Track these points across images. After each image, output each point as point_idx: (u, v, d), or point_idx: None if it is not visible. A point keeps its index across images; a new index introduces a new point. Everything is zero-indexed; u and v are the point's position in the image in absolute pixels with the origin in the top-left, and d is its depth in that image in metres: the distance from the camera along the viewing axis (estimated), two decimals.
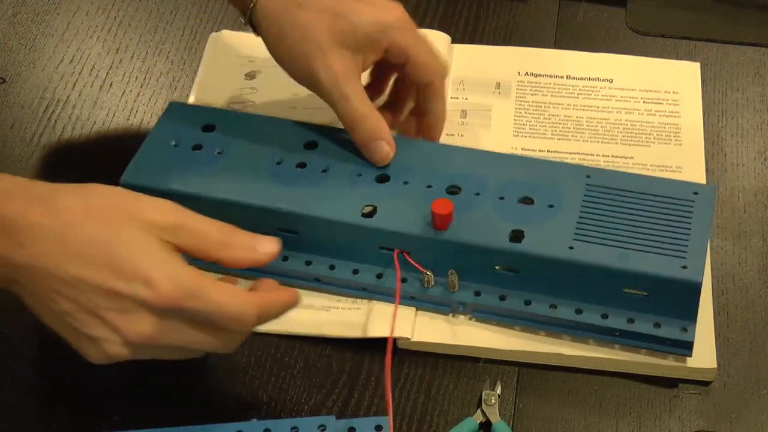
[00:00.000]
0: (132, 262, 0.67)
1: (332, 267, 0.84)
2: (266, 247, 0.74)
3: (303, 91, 1.01)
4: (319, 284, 0.85)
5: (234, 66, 1.03)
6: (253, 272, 0.79)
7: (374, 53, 0.87)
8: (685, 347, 0.79)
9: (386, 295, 0.83)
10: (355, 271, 0.84)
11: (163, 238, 0.69)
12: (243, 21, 0.88)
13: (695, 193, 0.84)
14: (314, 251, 0.84)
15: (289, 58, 0.87)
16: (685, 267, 0.79)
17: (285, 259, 0.84)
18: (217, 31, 1.08)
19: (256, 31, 0.89)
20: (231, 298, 0.69)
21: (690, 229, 0.81)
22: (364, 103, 0.86)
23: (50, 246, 0.68)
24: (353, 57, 0.85)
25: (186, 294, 0.67)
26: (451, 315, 0.83)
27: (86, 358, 0.70)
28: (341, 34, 0.85)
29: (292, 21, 0.85)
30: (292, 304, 0.74)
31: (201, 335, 0.70)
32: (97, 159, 0.97)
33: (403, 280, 0.83)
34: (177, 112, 0.92)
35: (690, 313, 0.79)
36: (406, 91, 0.91)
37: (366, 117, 0.85)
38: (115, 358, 0.69)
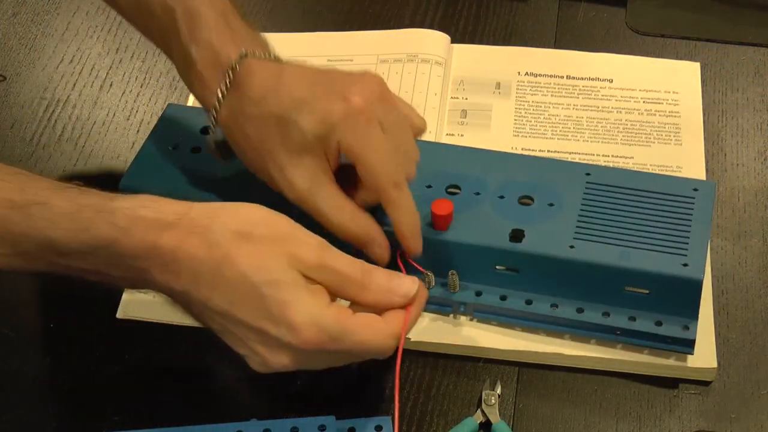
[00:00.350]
0: (280, 308, 0.69)
1: None
2: (403, 288, 0.74)
3: None
4: None
5: None
6: None
7: (331, 153, 0.78)
8: (686, 345, 0.79)
9: None
10: None
11: (308, 275, 0.71)
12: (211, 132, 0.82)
13: (695, 190, 0.84)
14: None
15: (256, 171, 0.80)
16: (686, 265, 0.79)
17: None
18: None
19: None
20: (372, 336, 0.71)
21: (690, 226, 0.82)
22: (341, 211, 0.78)
23: (205, 278, 0.70)
24: (314, 161, 0.77)
25: (329, 338, 0.70)
26: (451, 315, 0.83)
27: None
28: (292, 143, 0.77)
29: (245, 135, 0.79)
30: (417, 319, 0.75)
31: (343, 361, 0.74)
32: (97, 159, 0.97)
33: None
34: (175, 114, 0.92)
35: (691, 311, 0.79)
36: None
37: (344, 227, 0.78)
38: (262, 372, 0.73)
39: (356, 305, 0.73)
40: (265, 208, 0.72)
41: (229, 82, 0.79)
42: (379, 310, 0.73)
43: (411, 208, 0.78)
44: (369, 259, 0.77)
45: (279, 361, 0.71)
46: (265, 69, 0.79)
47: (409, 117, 0.82)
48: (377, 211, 0.79)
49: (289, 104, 0.77)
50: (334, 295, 0.72)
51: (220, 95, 0.79)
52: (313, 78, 0.79)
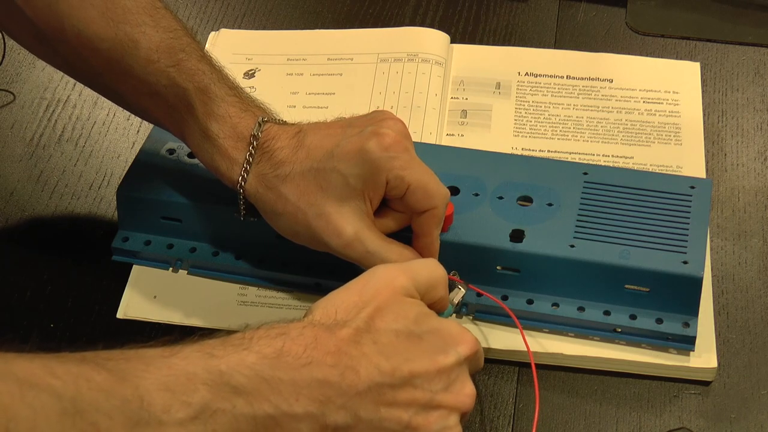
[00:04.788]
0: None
1: (331, 272, 0.84)
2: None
3: (302, 90, 1.02)
4: (323, 291, 0.85)
5: (233, 65, 1.03)
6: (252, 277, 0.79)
7: (376, 191, 0.78)
8: (687, 342, 0.79)
9: None
10: None
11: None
12: (240, 204, 0.82)
13: (692, 187, 0.85)
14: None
15: (294, 235, 0.80)
16: (685, 262, 0.79)
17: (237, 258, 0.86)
18: (216, 30, 1.08)
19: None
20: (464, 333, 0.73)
21: (689, 223, 0.82)
22: (389, 251, 0.78)
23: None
24: (358, 205, 0.78)
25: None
26: (453, 316, 0.83)
27: None
28: (335, 191, 0.77)
29: (282, 197, 0.79)
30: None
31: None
32: (97, 159, 0.97)
33: None
34: None
35: (692, 308, 0.80)
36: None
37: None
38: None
39: None
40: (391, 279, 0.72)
41: (254, 149, 0.79)
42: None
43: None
44: None
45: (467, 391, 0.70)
46: (286, 131, 0.80)
47: None
48: None
49: (323, 155, 0.78)
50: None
51: (246, 164, 0.79)
52: (335, 128, 0.80)
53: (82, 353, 0.60)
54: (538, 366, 0.81)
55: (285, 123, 0.81)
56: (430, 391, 0.68)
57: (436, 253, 0.80)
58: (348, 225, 0.77)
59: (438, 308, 0.75)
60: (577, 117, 0.99)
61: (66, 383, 0.57)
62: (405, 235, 0.80)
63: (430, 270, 0.74)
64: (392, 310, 0.69)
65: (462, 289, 0.80)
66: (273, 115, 0.82)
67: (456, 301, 0.80)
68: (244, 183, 0.80)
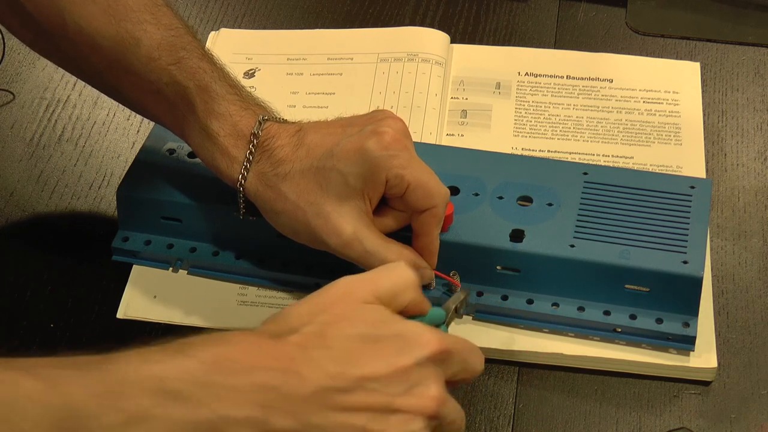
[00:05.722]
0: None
1: (331, 271, 0.84)
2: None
3: (302, 90, 1.02)
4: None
5: (233, 64, 1.03)
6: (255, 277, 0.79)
7: (376, 189, 0.78)
8: (687, 342, 0.79)
9: None
10: None
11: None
12: (240, 203, 0.82)
13: (692, 187, 0.85)
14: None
15: (294, 234, 0.80)
16: (685, 262, 0.79)
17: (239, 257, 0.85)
18: (216, 30, 1.08)
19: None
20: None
21: (689, 223, 0.82)
22: (388, 250, 0.78)
23: None
24: (357, 204, 0.78)
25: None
26: (451, 324, 0.83)
27: None
28: (334, 190, 0.77)
29: (282, 196, 0.78)
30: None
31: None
32: (97, 159, 0.97)
33: None
34: None
35: (692, 308, 0.80)
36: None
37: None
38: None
39: None
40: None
41: (254, 148, 0.79)
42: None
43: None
44: None
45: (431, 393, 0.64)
46: (286, 129, 0.80)
47: None
48: None
49: (323, 154, 0.78)
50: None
51: (246, 162, 0.79)
52: (335, 127, 0.80)
53: (12, 359, 0.58)
54: (539, 366, 0.81)
55: (285, 121, 0.81)
56: (387, 394, 0.63)
57: (436, 253, 0.80)
58: (347, 224, 0.77)
59: (412, 312, 0.69)
60: (577, 117, 0.99)
61: None
62: (405, 235, 0.80)
63: (394, 276, 0.68)
64: (348, 317, 0.65)
65: (461, 294, 0.78)
66: (274, 113, 0.82)
67: (453, 306, 0.76)
68: (244, 181, 0.80)
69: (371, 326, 0.65)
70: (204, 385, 0.60)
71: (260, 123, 0.80)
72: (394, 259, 0.77)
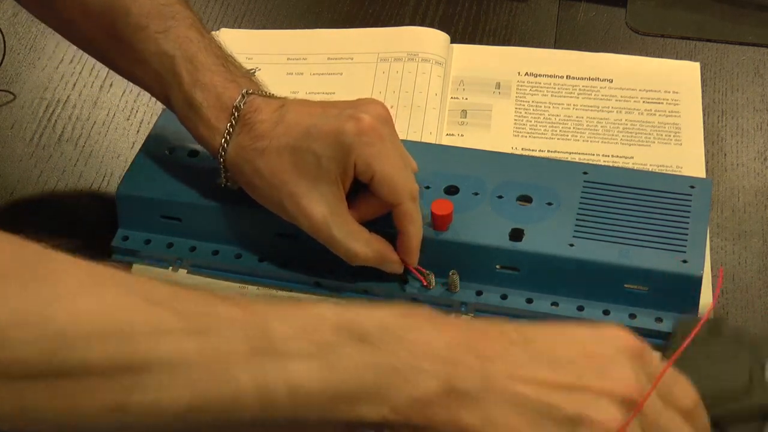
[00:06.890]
0: None
1: (331, 270, 0.84)
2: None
3: (302, 89, 1.02)
4: (323, 290, 0.85)
5: None
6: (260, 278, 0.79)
7: (347, 174, 0.78)
8: None
9: (388, 297, 0.83)
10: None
11: None
12: (222, 173, 0.82)
13: (692, 187, 0.85)
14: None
15: (270, 205, 0.80)
16: (685, 261, 0.79)
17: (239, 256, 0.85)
18: (216, 30, 1.08)
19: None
20: None
21: (688, 223, 0.82)
22: (356, 239, 0.79)
23: None
24: (329, 188, 0.77)
25: None
26: (453, 315, 0.83)
27: None
28: (307, 171, 0.77)
29: (257, 171, 0.79)
30: None
31: None
32: (97, 159, 0.97)
33: (404, 281, 0.83)
34: (171, 117, 0.91)
35: (691, 308, 0.79)
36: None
37: (362, 254, 0.79)
38: None
39: None
40: None
41: (235, 120, 0.79)
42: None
43: (420, 222, 0.79)
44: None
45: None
46: (269, 104, 0.80)
47: None
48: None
49: (300, 133, 0.78)
50: None
51: (227, 134, 0.79)
52: (317, 107, 0.80)
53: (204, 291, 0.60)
54: None
55: (272, 96, 0.81)
56: (577, 376, 0.59)
57: (415, 252, 0.80)
58: (317, 208, 0.78)
59: None
60: (577, 117, 0.99)
61: (189, 306, 0.58)
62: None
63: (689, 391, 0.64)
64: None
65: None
66: (261, 87, 0.82)
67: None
68: (225, 153, 0.80)
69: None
70: (395, 334, 0.59)
71: (243, 96, 0.80)
72: (359, 248, 0.78)
